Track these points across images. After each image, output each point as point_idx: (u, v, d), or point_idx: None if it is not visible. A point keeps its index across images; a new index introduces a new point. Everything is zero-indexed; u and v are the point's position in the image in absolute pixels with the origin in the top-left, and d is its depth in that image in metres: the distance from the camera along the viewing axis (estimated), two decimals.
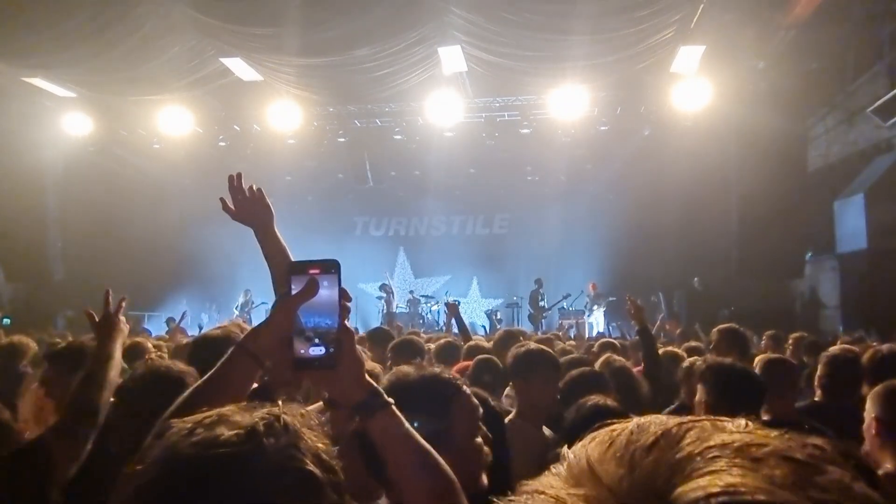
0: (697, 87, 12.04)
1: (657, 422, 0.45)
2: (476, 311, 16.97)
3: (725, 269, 12.92)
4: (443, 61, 11.39)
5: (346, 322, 1.16)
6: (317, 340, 1.14)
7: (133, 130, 14.61)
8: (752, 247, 12.12)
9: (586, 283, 14.69)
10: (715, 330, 4.68)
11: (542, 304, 14.88)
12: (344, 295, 1.16)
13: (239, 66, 11.74)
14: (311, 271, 1.16)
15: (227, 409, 0.82)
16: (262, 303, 14.74)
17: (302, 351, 1.14)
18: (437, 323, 15.38)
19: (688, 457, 0.40)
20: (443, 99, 12.77)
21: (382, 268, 17.91)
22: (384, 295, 15.99)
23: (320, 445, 0.81)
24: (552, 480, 0.47)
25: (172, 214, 16.61)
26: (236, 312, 15.24)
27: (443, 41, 10.71)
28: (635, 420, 0.47)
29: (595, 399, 2.55)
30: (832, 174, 12.89)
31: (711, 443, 0.41)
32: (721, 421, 0.44)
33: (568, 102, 12.59)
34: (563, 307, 14.67)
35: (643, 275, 14.67)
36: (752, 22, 10.78)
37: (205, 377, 1.19)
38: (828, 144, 13.27)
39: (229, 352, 1.19)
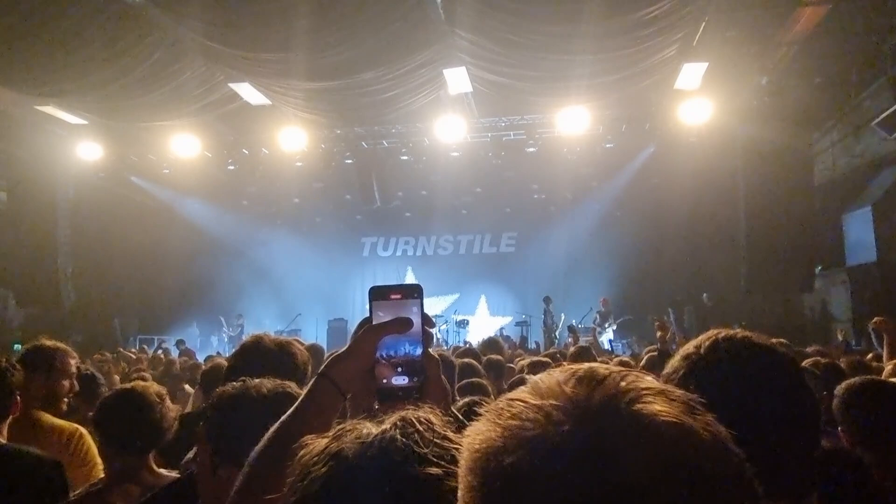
0: (701, 104, 12.11)
1: (602, 367, 0.62)
2: (484, 329, 16.94)
3: (734, 285, 12.88)
4: (448, 82, 11.51)
5: (430, 350, 1.11)
6: (400, 369, 1.09)
7: (143, 156, 14.80)
8: (761, 261, 12.09)
9: (596, 299, 14.66)
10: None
11: (553, 321, 14.86)
12: (427, 321, 1.11)
13: (247, 91, 11.90)
14: (393, 297, 1.11)
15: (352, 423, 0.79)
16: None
17: (385, 381, 1.09)
18: (447, 343, 15.36)
19: (634, 390, 0.59)
20: (448, 119, 12.89)
21: None
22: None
23: (461, 438, 0.77)
24: (522, 394, 0.61)
25: (182, 239, 16.74)
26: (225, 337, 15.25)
27: (448, 63, 10.83)
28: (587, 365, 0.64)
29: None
30: (839, 187, 12.87)
31: (643, 385, 0.59)
32: (641, 372, 0.64)
33: (573, 121, 12.68)
34: (571, 324, 14.61)
35: (651, 291, 14.64)
36: (754, 38, 10.86)
37: (290, 410, 1.12)
38: (834, 158, 13.26)
39: (312, 381, 1.13)
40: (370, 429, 0.75)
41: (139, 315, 14.97)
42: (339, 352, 1.15)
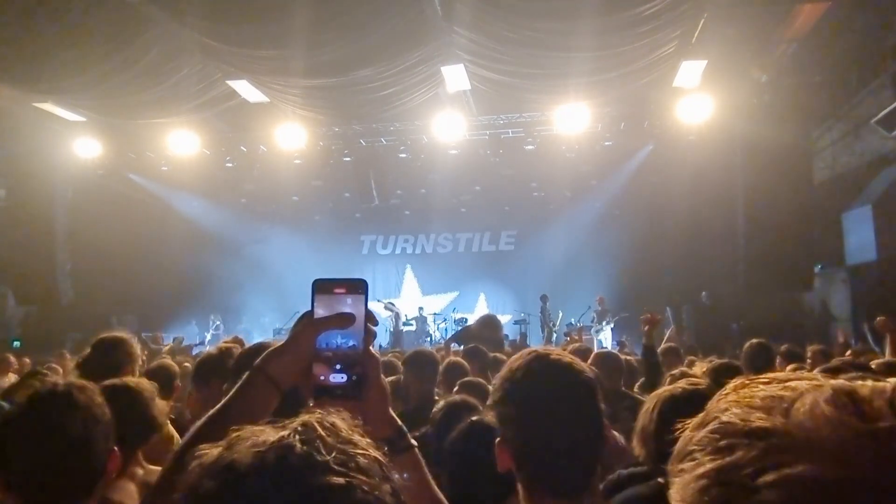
0: (700, 102, 12.07)
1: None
2: None
3: (733, 283, 12.83)
4: (446, 80, 11.49)
5: (371, 348, 1.07)
6: (338, 367, 1.05)
7: (141, 153, 14.79)
8: (760, 260, 12.05)
9: (593, 297, 14.63)
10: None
11: (551, 319, 14.85)
12: (370, 318, 1.07)
13: (245, 89, 11.89)
14: (337, 291, 1.08)
15: (258, 426, 0.71)
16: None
17: (322, 378, 1.05)
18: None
19: None
20: (447, 117, 12.86)
21: (390, 286, 17.94)
22: (390, 313, 15.98)
23: (371, 442, 0.73)
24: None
25: (180, 236, 16.73)
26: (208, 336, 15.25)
27: (446, 60, 10.81)
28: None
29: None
30: (839, 186, 12.82)
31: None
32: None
33: (571, 119, 12.65)
34: (570, 322, 14.61)
35: (650, 289, 14.61)
36: (753, 36, 10.81)
37: (220, 404, 1.07)
38: (834, 156, 13.21)
39: (245, 375, 1.08)
40: (268, 435, 0.68)
41: (137, 312, 14.96)
42: (277, 346, 1.10)
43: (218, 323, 15.65)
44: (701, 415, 0.57)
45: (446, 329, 15.87)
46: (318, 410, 0.74)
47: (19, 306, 14.83)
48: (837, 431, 0.48)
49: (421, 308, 16.75)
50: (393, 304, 16.07)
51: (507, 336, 15.05)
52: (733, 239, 12.84)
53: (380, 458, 0.70)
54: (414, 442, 1.11)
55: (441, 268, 18.24)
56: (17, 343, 13.32)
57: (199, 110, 12.67)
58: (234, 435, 0.70)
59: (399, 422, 1.12)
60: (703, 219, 13.70)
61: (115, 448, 1.58)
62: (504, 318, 17.23)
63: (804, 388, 0.53)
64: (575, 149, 14.22)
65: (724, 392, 0.58)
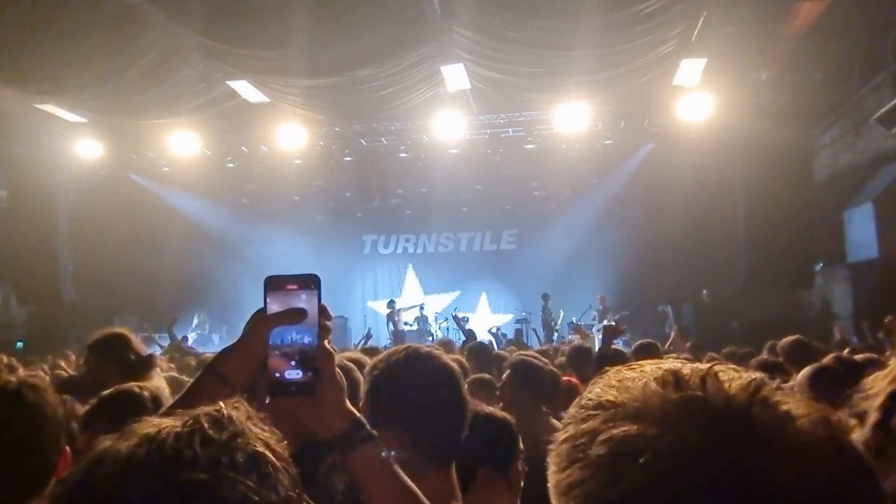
0: (701, 100, 12.05)
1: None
2: (485, 326, 16.93)
3: (733, 282, 12.82)
4: (446, 79, 11.49)
5: (325, 343, 1.07)
6: (293, 363, 1.04)
7: (143, 154, 14.82)
8: (760, 258, 12.04)
9: (594, 296, 14.63)
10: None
11: (552, 318, 14.85)
12: (324, 313, 1.07)
13: (245, 89, 11.90)
14: (289, 287, 1.08)
15: (165, 418, 0.71)
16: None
17: (277, 374, 1.04)
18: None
19: None
20: (447, 116, 12.87)
21: (392, 286, 17.95)
22: (391, 311, 15.99)
23: (268, 434, 0.72)
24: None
25: (182, 236, 16.77)
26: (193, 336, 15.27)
27: (445, 59, 10.81)
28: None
29: None
30: (840, 184, 12.80)
31: None
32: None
33: (572, 117, 12.64)
34: (571, 321, 14.61)
35: (651, 287, 14.61)
36: (753, 33, 10.79)
37: (169, 404, 1.07)
38: (835, 154, 13.19)
39: (197, 375, 1.09)
40: (159, 427, 0.67)
41: (139, 313, 15.00)
42: (230, 344, 1.10)
43: (202, 320, 15.59)
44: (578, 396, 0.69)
45: (447, 329, 15.87)
46: (229, 402, 0.74)
47: (21, 307, 14.89)
48: (656, 401, 0.60)
49: (422, 307, 16.76)
50: (394, 303, 16.05)
51: (505, 335, 15.09)
52: (734, 237, 12.82)
53: (271, 452, 0.69)
54: (374, 433, 1.10)
55: (443, 267, 18.25)
56: (20, 343, 13.37)
57: (199, 111, 12.70)
58: (133, 424, 0.69)
59: (357, 414, 1.11)
60: (704, 217, 13.69)
61: (67, 448, 1.58)
62: (506, 318, 17.27)
63: (650, 371, 0.65)
64: (575, 148, 14.22)
65: (600, 376, 0.69)
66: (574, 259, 16.23)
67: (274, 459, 0.69)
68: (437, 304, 17.71)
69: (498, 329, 16.06)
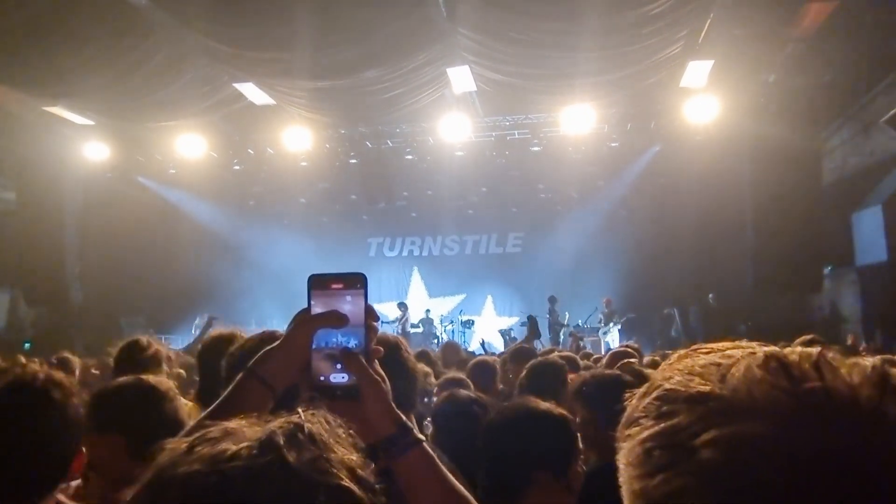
0: (708, 102, 12.00)
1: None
2: (491, 329, 16.88)
3: (741, 284, 12.75)
4: (452, 81, 11.49)
5: (372, 345, 1.03)
6: (339, 366, 1.01)
7: (150, 156, 14.89)
8: (768, 261, 11.97)
9: (600, 299, 14.57)
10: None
11: (560, 320, 14.80)
12: (371, 314, 1.03)
13: (252, 91, 11.94)
14: (334, 286, 1.03)
15: (234, 423, 0.66)
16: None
17: (322, 377, 1.01)
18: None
19: None
20: (453, 119, 12.86)
21: (398, 288, 17.94)
22: (400, 314, 15.95)
23: (354, 459, 0.66)
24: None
25: (189, 239, 16.81)
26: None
27: (451, 62, 10.81)
28: None
29: None
30: (848, 186, 12.70)
31: None
32: None
33: (578, 119, 12.61)
34: (577, 324, 14.55)
35: (658, 290, 14.54)
36: (760, 35, 10.73)
37: (211, 407, 1.02)
38: (843, 156, 13.09)
39: (238, 377, 1.04)
40: (227, 449, 0.61)
41: (146, 314, 15.05)
42: (272, 346, 1.06)
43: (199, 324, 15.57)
44: (646, 384, 0.60)
45: (453, 331, 15.84)
46: (303, 410, 0.69)
47: (29, 308, 14.96)
48: (768, 393, 0.51)
49: (428, 310, 16.73)
50: (404, 305, 15.98)
51: (515, 339, 15.03)
52: (741, 240, 12.76)
53: (356, 483, 0.64)
54: (422, 437, 1.06)
55: (448, 270, 18.20)
56: (27, 344, 13.43)
57: (205, 113, 12.76)
58: (206, 429, 0.65)
59: (403, 418, 1.06)
60: (711, 220, 13.62)
61: (83, 449, 1.56)
62: (511, 321, 17.20)
63: (739, 355, 0.56)
64: (581, 150, 14.18)
65: (669, 362, 0.60)
66: (580, 262, 16.15)
67: (361, 495, 0.63)
68: (442, 306, 17.67)
69: (510, 330, 16.03)
